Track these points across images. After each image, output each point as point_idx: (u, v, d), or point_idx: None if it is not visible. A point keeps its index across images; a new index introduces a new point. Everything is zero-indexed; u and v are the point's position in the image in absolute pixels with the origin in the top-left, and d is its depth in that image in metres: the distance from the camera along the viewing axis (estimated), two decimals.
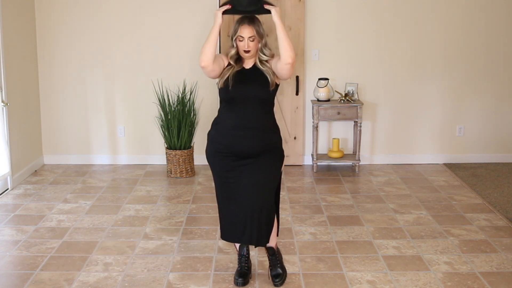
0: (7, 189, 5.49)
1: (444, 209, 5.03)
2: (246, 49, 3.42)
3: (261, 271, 3.79)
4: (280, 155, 3.57)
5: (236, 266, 3.79)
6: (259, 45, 3.46)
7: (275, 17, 3.36)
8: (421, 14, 6.22)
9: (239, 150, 3.45)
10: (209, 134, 3.60)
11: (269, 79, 3.47)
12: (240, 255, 3.69)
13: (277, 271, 3.63)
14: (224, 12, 3.43)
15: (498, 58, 6.33)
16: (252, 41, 3.42)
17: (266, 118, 3.52)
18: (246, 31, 3.41)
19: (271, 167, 3.50)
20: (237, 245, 3.73)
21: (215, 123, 3.57)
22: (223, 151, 3.48)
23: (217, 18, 3.39)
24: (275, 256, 3.65)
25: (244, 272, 3.64)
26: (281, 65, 3.38)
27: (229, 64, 3.51)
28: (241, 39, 3.42)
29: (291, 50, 3.34)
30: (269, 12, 3.41)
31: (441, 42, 6.28)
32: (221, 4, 3.46)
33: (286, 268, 3.80)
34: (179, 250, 4.15)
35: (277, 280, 3.60)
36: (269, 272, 3.66)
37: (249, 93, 3.44)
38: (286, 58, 3.34)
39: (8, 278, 3.73)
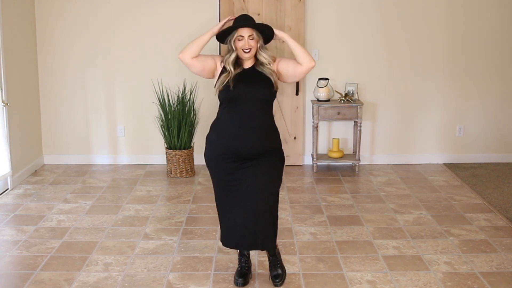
0: (7, 189, 5.49)
1: (444, 209, 5.03)
2: (247, 48, 3.42)
3: (261, 271, 3.79)
4: (281, 156, 3.56)
5: (236, 266, 3.79)
6: (258, 44, 3.46)
7: (281, 33, 3.51)
8: (421, 14, 6.22)
9: (241, 151, 3.43)
10: (208, 137, 3.58)
11: (272, 80, 3.47)
12: (240, 255, 3.69)
13: (277, 271, 3.63)
14: (222, 34, 3.48)
15: (498, 58, 6.33)
16: (252, 39, 3.42)
17: (267, 119, 3.51)
18: (245, 31, 3.41)
19: (273, 169, 3.48)
20: None
21: (215, 125, 3.54)
22: (224, 153, 3.45)
23: (215, 27, 3.48)
24: (275, 257, 3.65)
25: (244, 272, 3.64)
26: (303, 69, 3.47)
27: (223, 70, 3.49)
28: (240, 38, 3.42)
29: (309, 54, 3.49)
30: (265, 27, 3.46)
31: (441, 42, 6.28)
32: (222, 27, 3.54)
33: (286, 268, 3.80)
34: (179, 250, 4.15)
35: (277, 280, 3.60)
36: (269, 273, 3.66)
37: (251, 92, 3.43)
38: (309, 62, 3.45)
39: (8, 278, 3.74)
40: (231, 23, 3.49)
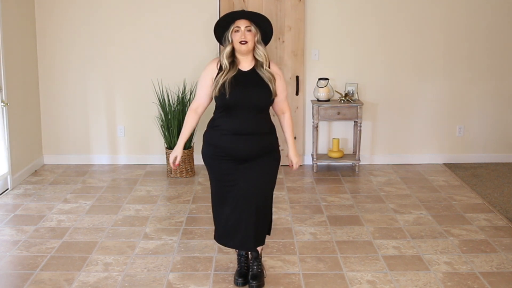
0: (7, 189, 5.49)
1: (444, 209, 5.03)
2: (243, 40, 3.32)
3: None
4: (277, 157, 3.53)
5: (236, 266, 3.79)
6: (256, 38, 3.37)
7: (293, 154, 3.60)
8: (421, 14, 6.22)
9: (237, 154, 3.40)
10: (205, 135, 3.54)
11: (271, 87, 3.38)
12: (239, 255, 3.69)
13: (255, 271, 3.59)
14: (220, 21, 3.40)
15: (498, 58, 6.33)
16: (249, 31, 3.33)
17: (264, 122, 3.45)
18: (242, 22, 3.33)
19: (268, 169, 3.47)
20: None
21: (211, 126, 3.50)
22: (221, 155, 3.44)
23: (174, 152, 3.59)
24: (258, 259, 3.62)
25: (244, 272, 3.63)
26: (277, 103, 3.51)
27: (220, 68, 3.40)
28: (237, 29, 3.33)
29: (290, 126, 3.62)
30: (262, 19, 3.40)
31: (441, 42, 6.28)
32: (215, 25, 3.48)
33: (286, 268, 3.80)
34: (179, 250, 4.15)
35: (254, 282, 3.55)
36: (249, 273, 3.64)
37: (248, 100, 3.35)
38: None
39: (8, 278, 3.73)
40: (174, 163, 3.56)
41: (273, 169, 3.51)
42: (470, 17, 6.25)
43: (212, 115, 3.57)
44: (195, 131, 6.05)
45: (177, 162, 3.56)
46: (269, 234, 3.68)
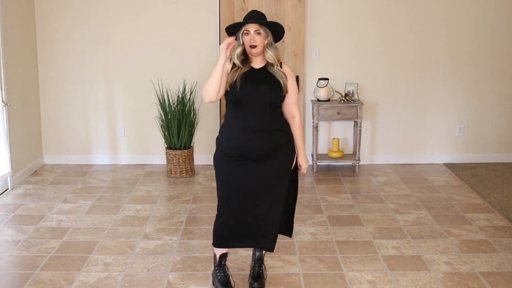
0: (7, 189, 5.49)
1: (444, 209, 5.03)
2: (253, 44, 3.32)
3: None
4: (290, 153, 3.48)
5: (216, 274, 3.64)
6: (265, 41, 3.35)
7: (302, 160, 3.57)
8: (421, 14, 6.22)
9: (247, 152, 3.35)
10: (217, 139, 3.50)
11: (282, 83, 3.37)
12: (220, 265, 3.59)
13: (256, 272, 3.58)
14: (229, 28, 3.37)
15: (499, 58, 6.33)
16: (259, 34, 3.32)
17: (274, 119, 3.41)
18: (252, 26, 3.32)
19: (280, 168, 3.43)
20: (218, 254, 3.58)
21: (222, 127, 3.49)
22: (231, 155, 3.38)
23: (221, 55, 3.30)
24: (261, 261, 3.62)
25: (226, 280, 3.56)
26: (287, 105, 3.47)
27: (233, 66, 3.39)
28: (247, 33, 3.33)
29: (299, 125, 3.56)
30: (273, 25, 3.38)
31: (441, 42, 6.28)
32: (226, 29, 3.41)
33: (286, 268, 3.80)
34: (179, 250, 4.15)
35: (256, 283, 3.54)
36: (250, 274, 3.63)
37: (258, 94, 3.34)
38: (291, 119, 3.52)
39: (8, 278, 3.74)
40: (232, 43, 3.35)
41: (285, 168, 3.46)
42: (470, 17, 6.25)
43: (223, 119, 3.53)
44: (195, 131, 6.06)
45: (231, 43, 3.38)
46: (289, 236, 3.71)
